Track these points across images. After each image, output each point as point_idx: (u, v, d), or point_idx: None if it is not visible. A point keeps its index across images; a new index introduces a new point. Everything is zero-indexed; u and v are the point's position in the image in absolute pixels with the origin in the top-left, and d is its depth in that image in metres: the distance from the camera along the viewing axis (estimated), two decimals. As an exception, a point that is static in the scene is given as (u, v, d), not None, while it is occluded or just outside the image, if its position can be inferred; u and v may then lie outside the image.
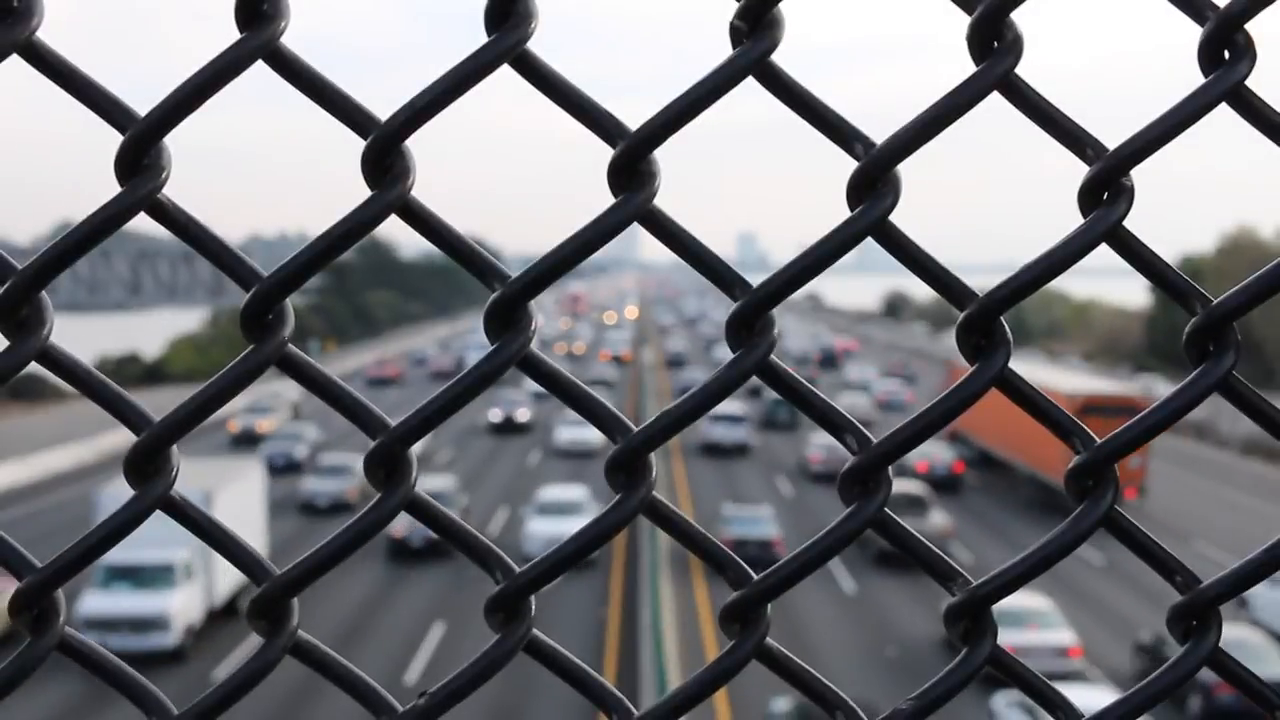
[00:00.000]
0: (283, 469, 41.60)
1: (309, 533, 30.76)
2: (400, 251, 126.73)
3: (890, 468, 1.01)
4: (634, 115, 0.97)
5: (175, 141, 0.96)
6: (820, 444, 41.32)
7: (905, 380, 67.00)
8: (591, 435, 43.96)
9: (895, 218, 0.97)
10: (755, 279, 1.00)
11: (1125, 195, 0.97)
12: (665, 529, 1.04)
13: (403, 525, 28.01)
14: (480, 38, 0.94)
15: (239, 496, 26.47)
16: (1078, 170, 0.98)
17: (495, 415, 52.26)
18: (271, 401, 52.61)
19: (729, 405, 48.63)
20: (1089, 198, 0.97)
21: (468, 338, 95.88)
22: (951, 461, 38.53)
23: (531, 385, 59.36)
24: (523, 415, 52.68)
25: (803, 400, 1.02)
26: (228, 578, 25.19)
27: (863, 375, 69.53)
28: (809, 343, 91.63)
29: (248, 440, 47.38)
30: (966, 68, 0.96)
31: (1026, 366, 48.44)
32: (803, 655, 1.00)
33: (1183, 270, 1.00)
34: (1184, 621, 1.03)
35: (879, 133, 0.98)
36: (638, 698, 18.84)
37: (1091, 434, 1.01)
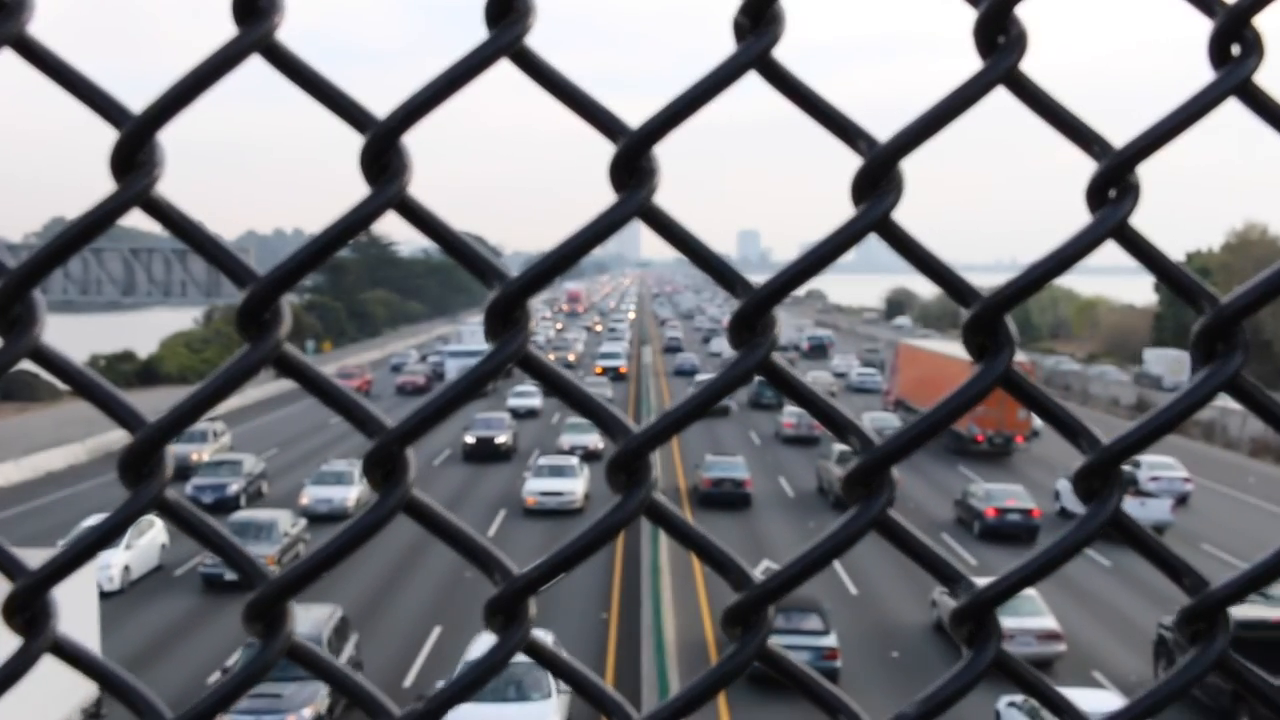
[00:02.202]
0: (212, 506, 33.36)
1: (181, 640, 23.48)
2: (398, 249, 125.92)
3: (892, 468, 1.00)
4: (635, 112, 0.96)
5: (170, 138, 0.95)
6: (792, 412, 49.04)
7: (877, 367, 74.76)
8: (569, 485, 34.99)
9: (899, 215, 0.96)
10: (756, 276, 0.99)
11: (1132, 192, 0.96)
12: (665, 529, 1.03)
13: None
14: (479, 33, 0.93)
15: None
16: (1084, 167, 0.97)
17: (469, 439, 43.29)
18: (207, 429, 42.63)
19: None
20: (1096, 195, 0.96)
21: (447, 345, 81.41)
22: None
23: (514, 403, 53.41)
24: (502, 439, 43.69)
25: (805, 400, 1.01)
26: None
27: (846, 363, 79.14)
28: (794, 334, 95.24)
29: (179, 475, 36.51)
30: (971, 63, 0.95)
31: (928, 341, 65.69)
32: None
33: (1190, 268, 0.99)
34: (1192, 624, 1.01)
35: (882, 129, 0.97)
36: (639, 701, 18.82)
37: (1098, 435, 1.00)
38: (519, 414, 52.79)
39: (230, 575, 25.31)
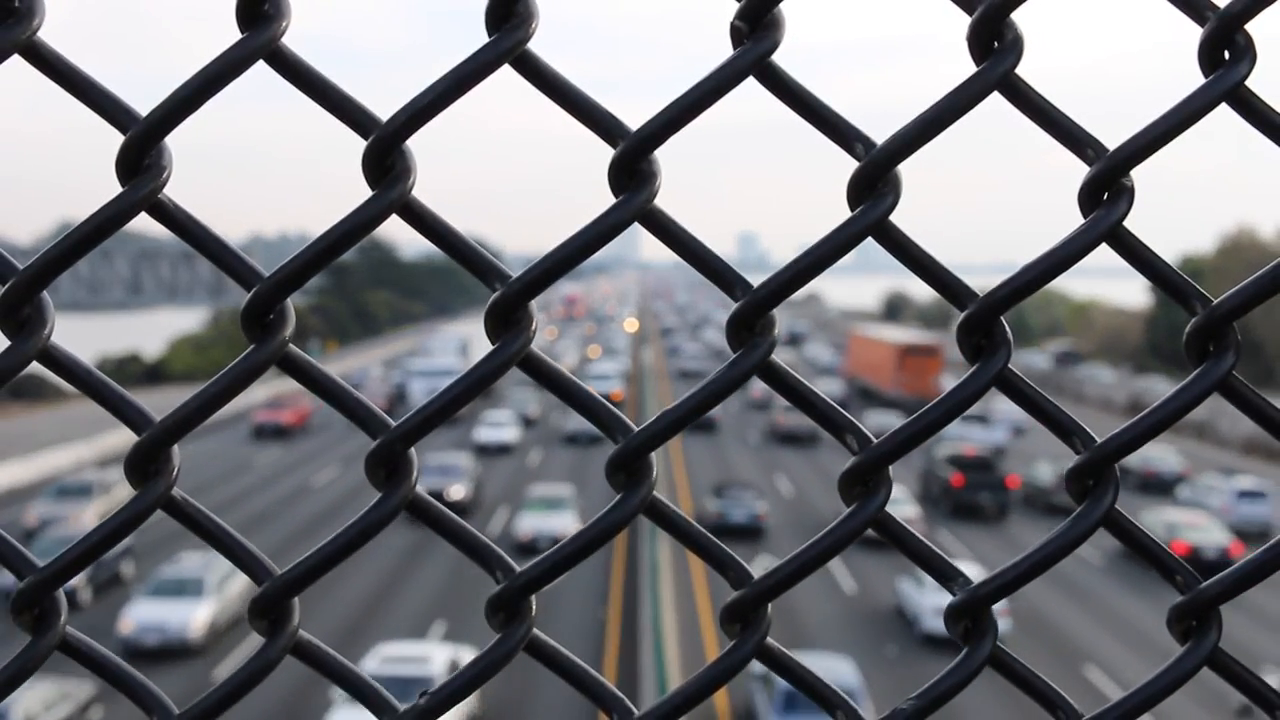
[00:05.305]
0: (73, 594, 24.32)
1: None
2: (401, 251, 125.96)
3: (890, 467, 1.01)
4: (635, 115, 0.97)
5: (176, 141, 0.96)
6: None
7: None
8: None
9: (895, 217, 0.97)
10: (756, 278, 1.00)
11: (1125, 195, 0.97)
12: (666, 529, 1.04)
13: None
14: (481, 37, 0.94)
15: None
16: (1078, 170, 0.98)
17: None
18: (93, 481, 34.42)
19: (694, 346, 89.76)
20: (1089, 198, 0.97)
21: (411, 361, 67.36)
22: (840, 395, 60.20)
23: (483, 436, 46.09)
24: (457, 493, 35.32)
25: (803, 400, 1.02)
26: None
27: (821, 352, 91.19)
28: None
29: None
30: (967, 68, 0.96)
31: (871, 328, 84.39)
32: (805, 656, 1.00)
33: (1182, 270, 1.00)
34: (1184, 621, 1.02)
35: (879, 133, 0.98)
36: (638, 697, 18.82)
37: (1092, 435, 1.01)
38: (488, 449, 45.29)
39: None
